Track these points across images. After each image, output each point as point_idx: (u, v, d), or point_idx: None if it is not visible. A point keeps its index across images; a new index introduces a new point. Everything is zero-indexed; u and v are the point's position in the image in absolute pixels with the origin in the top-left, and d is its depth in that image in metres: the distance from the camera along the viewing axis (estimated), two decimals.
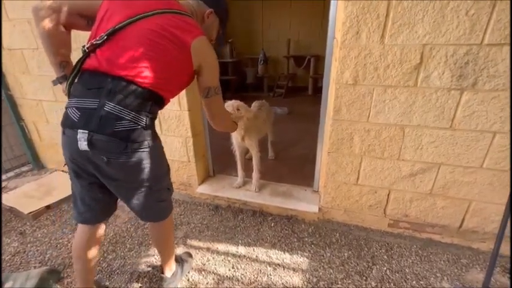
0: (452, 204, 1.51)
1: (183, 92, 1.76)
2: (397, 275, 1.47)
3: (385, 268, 1.51)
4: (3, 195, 2.12)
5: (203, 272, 1.49)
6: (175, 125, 1.90)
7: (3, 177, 2.42)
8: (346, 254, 1.61)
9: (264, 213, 1.97)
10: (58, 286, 1.43)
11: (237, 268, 1.52)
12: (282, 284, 1.42)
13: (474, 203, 1.47)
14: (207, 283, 1.43)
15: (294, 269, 1.51)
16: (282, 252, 1.62)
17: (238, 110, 1.77)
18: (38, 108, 2.35)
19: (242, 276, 1.47)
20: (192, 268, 1.52)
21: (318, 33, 5.39)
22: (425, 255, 1.59)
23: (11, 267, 1.55)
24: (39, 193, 2.17)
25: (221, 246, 1.68)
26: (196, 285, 1.42)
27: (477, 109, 1.28)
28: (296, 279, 1.45)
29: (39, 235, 1.79)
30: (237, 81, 5.59)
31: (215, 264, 1.55)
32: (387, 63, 1.32)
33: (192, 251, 1.64)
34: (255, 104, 2.27)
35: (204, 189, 2.06)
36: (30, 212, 1.92)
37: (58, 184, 2.31)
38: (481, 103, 1.27)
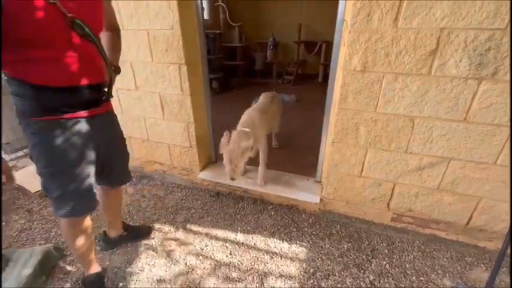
0: (460, 200, 1.45)
1: (185, 76, 1.72)
2: (396, 269, 1.44)
3: (384, 262, 1.48)
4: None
5: (201, 257, 1.51)
6: (177, 109, 1.87)
7: (13, 156, 2.49)
8: (345, 246, 1.58)
9: (265, 202, 1.95)
10: (61, 263, 1.47)
11: (235, 255, 1.52)
12: (279, 272, 1.42)
13: (484, 200, 1.40)
14: (204, 268, 1.44)
15: (291, 259, 1.50)
16: (281, 241, 1.61)
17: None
18: None
19: (239, 263, 1.47)
20: (190, 252, 1.54)
21: (330, 18, 5.13)
22: (427, 251, 1.55)
23: (17, 243, 1.61)
24: None
25: (220, 233, 1.68)
26: (193, 269, 1.44)
27: (495, 101, 1.19)
28: (293, 268, 1.44)
29: (45, 213, 1.85)
30: (245, 67, 5.47)
31: (213, 250, 1.56)
32: (400, 48, 1.23)
33: (191, 236, 1.66)
34: (266, 95, 2.16)
35: (206, 176, 2.05)
36: (37, 191, 1.97)
37: None
38: (500, 94, 1.17)
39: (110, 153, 1.20)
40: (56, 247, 1.51)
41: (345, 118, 1.47)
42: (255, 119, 1.80)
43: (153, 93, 1.88)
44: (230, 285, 1.35)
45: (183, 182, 2.18)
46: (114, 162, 1.25)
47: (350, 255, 1.52)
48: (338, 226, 1.73)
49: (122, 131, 1.30)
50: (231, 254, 1.53)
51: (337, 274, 1.41)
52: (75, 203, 1.06)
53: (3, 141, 2.35)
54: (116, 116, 1.25)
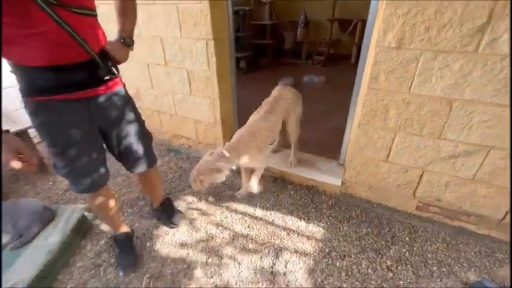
0: (497, 193, 1.34)
1: (212, 52, 1.72)
2: (416, 257, 1.40)
3: (404, 250, 1.44)
4: None
5: (220, 227, 1.59)
6: (203, 85, 1.90)
7: None
8: (364, 231, 1.56)
9: (285, 181, 1.97)
10: (98, 221, 1.64)
11: (253, 228, 1.58)
12: (294, 249, 1.45)
13: None
14: (223, 237, 1.52)
15: (307, 237, 1.52)
16: (298, 220, 1.64)
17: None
18: None
19: (256, 235, 1.53)
20: (211, 222, 1.63)
21: None
22: (453, 243, 1.47)
23: (62, 200, 1.82)
24: None
25: (240, 207, 1.75)
26: (213, 237, 1.53)
27: None
28: (308, 246, 1.46)
29: None
30: (274, 46, 5.31)
31: (232, 222, 1.63)
32: (443, 22, 1.11)
33: (213, 207, 1.74)
34: (278, 89, 1.73)
35: None
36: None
37: None
38: None
39: (122, 141, 1.16)
40: None
41: (374, 99, 1.39)
42: (243, 141, 1.47)
43: (181, 69, 1.93)
44: (247, 255, 1.41)
45: None
46: (128, 148, 1.19)
47: (368, 240, 1.50)
48: (358, 210, 1.71)
49: (137, 115, 1.20)
50: (249, 227, 1.59)
51: (353, 256, 1.41)
52: (83, 181, 1.09)
53: None
54: (128, 98, 1.16)
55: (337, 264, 1.37)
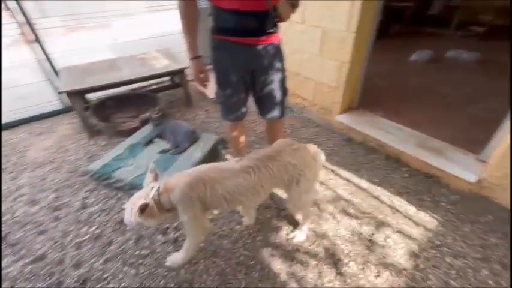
0: None
1: (357, 10, 1.63)
2: None
3: None
4: None
5: (323, 186, 1.68)
6: (335, 47, 1.87)
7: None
8: (493, 241, 1.33)
9: (400, 162, 1.82)
10: (223, 151, 2.02)
11: (355, 196, 1.60)
12: (398, 228, 1.40)
13: None
14: (324, 195, 1.62)
15: (416, 223, 1.43)
16: (408, 204, 1.54)
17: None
18: None
19: (358, 204, 1.55)
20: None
21: None
22: None
23: (200, 129, 2.29)
24: None
25: (345, 174, 1.77)
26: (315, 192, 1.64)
27: None
28: (415, 231, 1.38)
29: (216, 116, 2.48)
30: (414, 10, 4.44)
31: (336, 185, 1.69)
32: None
33: None
34: (279, 142, 1.19)
35: (343, 119, 2.08)
36: (213, 98, 2.63)
37: None
38: None
39: (265, 87, 1.30)
40: (223, 139, 2.05)
41: None
42: (180, 182, 1.02)
43: (316, 28, 1.93)
44: (346, 217, 1.47)
45: (318, 120, 2.30)
46: (267, 96, 1.33)
47: (497, 252, 1.28)
48: (490, 217, 1.44)
49: (283, 68, 1.31)
50: (352, 194, 1.62)
51: (470, 260, 1.25)
52: (230, 113, 1.40)
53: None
54: (280, 52, 1.27)
55: (447, 260, 1.25)
